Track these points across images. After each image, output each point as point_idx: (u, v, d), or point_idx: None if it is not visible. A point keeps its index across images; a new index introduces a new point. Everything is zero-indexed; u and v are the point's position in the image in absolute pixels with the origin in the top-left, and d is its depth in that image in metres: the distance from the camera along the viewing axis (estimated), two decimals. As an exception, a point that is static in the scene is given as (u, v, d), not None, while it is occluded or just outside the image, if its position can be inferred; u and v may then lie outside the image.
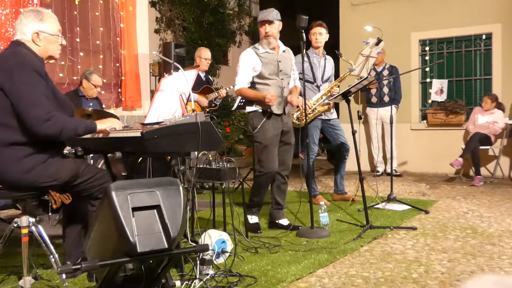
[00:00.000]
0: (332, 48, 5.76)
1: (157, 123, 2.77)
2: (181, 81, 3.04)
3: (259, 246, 3.54)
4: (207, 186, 4.12)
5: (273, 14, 3.98)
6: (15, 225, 2.64)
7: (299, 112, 4.76)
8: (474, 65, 7.68)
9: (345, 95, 4.28)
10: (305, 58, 4.85)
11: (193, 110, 2.83)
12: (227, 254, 3.17)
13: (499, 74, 7.36)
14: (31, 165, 2.55)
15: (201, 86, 5.98)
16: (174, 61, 3.92)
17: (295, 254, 3.37)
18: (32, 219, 2.65)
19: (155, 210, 2.08)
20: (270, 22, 3.96)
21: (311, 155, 4.90)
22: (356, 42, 6.16)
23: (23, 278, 2.60)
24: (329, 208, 4.76)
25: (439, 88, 7.81)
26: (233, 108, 5.36)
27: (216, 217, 3.98)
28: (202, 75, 6.13)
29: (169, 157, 3.24)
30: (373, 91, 7.45)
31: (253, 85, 4.05)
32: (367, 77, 4.42)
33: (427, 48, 7.95)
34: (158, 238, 2.04)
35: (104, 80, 5.60)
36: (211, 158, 3.74)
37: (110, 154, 3.01)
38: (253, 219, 4.10)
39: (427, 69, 7.97)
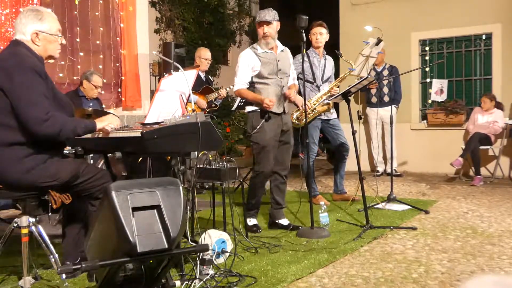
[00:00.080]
0: (332, 48, 5.76)
1: (157, 123, 2.77)
2: (181, 81, 3.04)
3: (259, 246, 3.54)
4: (207, 186, 4.12)
5: (271, 14, 3.98)
6: (15, 225, 2.64)
7: (298, 112, 4.77)
8: (474, 65, 7.68)
9: (345, 95, 4.28)
10: (305, 58, 4.85)
11: (193, 110, 2.83)
12: (227, 254, 3.17)
13: (499, 74, 7.36)
14: (31, 165, 2.55)
15: (201, 87, 5.98)
16: (174, 61, 3.91)
17: (295, 254, 3.37)
18: (32, 219, 2.64)
19: (155, 210, 2.08)
20: (268, 23, 3.97)
21: (311, 155, 4.90)
22: (356, 42, 6.16)
23: (23, 278, 2.60)
24: (329, 208, 4.76)
25: (439, 88, 7.81)
26: (233, 108, 5.36)
27: (216, 217, 3.98)
28: (202, 75, 6.13)
29: (169, 157, 3.24)
30: (373, 91, 7.45)
31: (252, 85, 4.05)
32: (367, 77, 4.42)
33: (427, 48, 7.95)
34: (158, 238, 2.04)
35: (104, 80, 5.60)
36: (211, 158, 3.74)
37: (110, 154, 3.01)
38: (251, 221, 4.10)
39: (427, 69, 7.97)
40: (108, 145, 2.89)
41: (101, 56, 6.40)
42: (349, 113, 4.22)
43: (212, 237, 3.12)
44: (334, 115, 5.26)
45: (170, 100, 3.06)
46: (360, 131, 6.45)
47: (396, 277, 2.88)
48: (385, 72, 7.34)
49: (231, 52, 13.23)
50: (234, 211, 3.54)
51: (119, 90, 6.64)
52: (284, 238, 3.79)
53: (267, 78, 4.03)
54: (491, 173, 7.00)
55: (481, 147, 6.65)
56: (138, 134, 2.55)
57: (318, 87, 5.10)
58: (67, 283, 2.70)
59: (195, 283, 2.68)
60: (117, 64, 6.62)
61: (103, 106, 5.54)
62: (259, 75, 4.03)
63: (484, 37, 7.51)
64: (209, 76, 6.57)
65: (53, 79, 3.01)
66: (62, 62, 5.85)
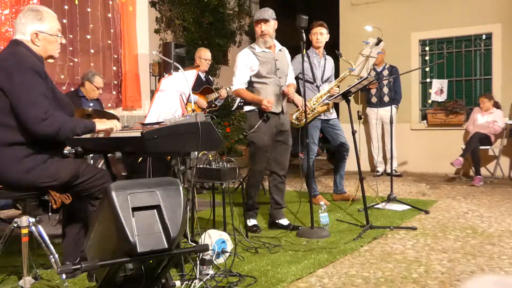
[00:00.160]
0: (332, 48, 5.76)
1: (157, 123, 2.77)
2: (181, 81, 3.04)
3: (259, 246, 3.54)
4: (207, 186, 4.13)
5: (269, 13, 4.00)
6: (15, 225, 2.64)
7: (298, 112, 4.77)
8: (474, 65, 7.68)
9: (345, 95, 4.28)
10: (305, 58, 4.85)
11: (193, 110, 2.84)
12: (227, 254, 3.17)
13: (499, 74, 7.36)
14: (31, 165, 2.55)
15: (201, 87, 5.98)
16: (174, 61, 3.92)
17: (295, 254, 3.37)
18: (32, 219, 2.64)
19: (155, 210, 2.08)
20: (266, 21, 3.98)
21: (311, 155, 4.90)
22: (356, 42, 6.16)
23: (23, 278, 2.60)
24: (329, 208, 4.76)
25: (439, 88, 7.81)
26: (233, 108, 5.36)
27: (216, 217, 3.98)
28: (202, 75, 6.13)
29: (169, 157, 3.24)
30: (373, 91, 7.45)
31: (251, 84, 4.06)
32: (367, 77, 4.42)
33: (427, 48, 7.95)
34: (158, 238, 2.04)
35: (104, 80, 5.60)
36: (211, 158, 3.74)
37: (110, 154, 3.01)
38: (251, 221, 4.10)
39: (427, 69, 7.97)
40: (108, 145, 2.89)
41: (101, 56, 6.40)
42: (349, 113, 4.22)
43: (212, 237, 3.12)
44: (334, 115, 5.26)
45: (170, 100, 3.06)
46: (360, 131, 6.44)
47: (396, 277, 2.88)
48: (385, 72, 7.34)
49: (231, 52, 13.24)
50: (234, 211, 3.54)
51: (119, 90, 6.64)
52: (284, 238, 3.79)
53: (265, 78, 4.03)
54: (491, 173, 6.99)
55: (481, 147, 6.65)
56: (138, 134, 2.55)
57: (318, 87, 5.10)
58: (67, 283, 2.70)
59: (195, 283, 2.68)
60: (117, 64, 6.63)
61: (103, 106, 5.54)
62: (257, 75, 4.03)
63: (484, 37, 7.51)
64: (209, 76, 6.57)
65: (53, 79, 3.01)
66: (62, 63, 5.85)
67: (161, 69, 8.35)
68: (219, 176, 3.58)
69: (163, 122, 2.72)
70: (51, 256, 2.63)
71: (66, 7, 5.94)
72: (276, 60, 4.07)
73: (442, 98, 7.77)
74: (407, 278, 2.87)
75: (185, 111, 2.94)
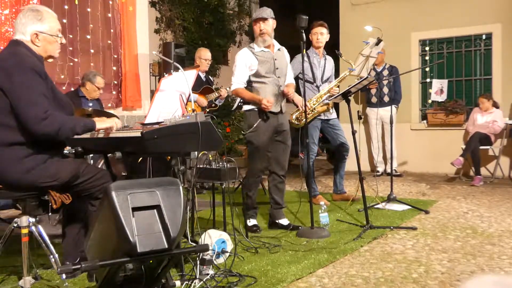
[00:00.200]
0: (332, 48, 5.75)
1: (157, 123, 2.77)
2: (181, 81, 3.04)
3: (259, 246, 3.54)
4: (207, 186, 4.13)
5: (267, 12, 4.01)
6: (15, 225, 2.64)
7: (298, 112, 4.77)
8: (474, 65, 7.68)
9: (345, 95, 4.28)
10: (305, 58, 4.86)
11: (193, 110, 2.83)
12: (227, 254, 3.17)
13: (499, 74, 7.36)
14: (31, 165, 2.55)
15: (201, 87, 5.98)
16: (174, 61, 3.92)
17: (295, 254, 3.37)
18: (32, 219, 2.64)
19: (155, 210, 2.08)
20: (264, 19, 3.98)
21: (311, 155, 4.90)
22: (356, 42, 6.16)
23: (23, 278, 2.60)
24: (329, 208, 4.76)
25: (439, 88, 7.81)
26: (233, 108, 5.36)
27: (216, 217, 3.98)
28: (202, 75, 6.13)
29: (169, 157, 3.24)
30: (373, 91, 7.45)
31: (249, 84, 4.05)
32: (367, 77, 4.42)
33: (427, 48, 7.95)
34: (158, 238, 2.04)
35: (104, 80, 5.60)
36: (211, 158, 3.74)
37: (110, 154, 3.01)
38: (251, 221, 4.10)
39: (427, 69, 7.97)
40: (108, 145, 2.89)
41: (101, 56, 6.40)
42: (349, 113, 4.22)
43: (212, 237, 3.12)
44: (334, 115, 5.26)
45: (170, 100, 3.06)
46: (360, 131, 6.44)
47: (396, 277, 2.88)
48: (385, 72, 7.34)
49: (231, 52, 13.22)
50: (234, 211, 3.54)
51: (119, 90, 6.64)
52: (284, 238, 3.79)
53: (264, 77, 4.03)
54: (491, 173, 6.99)
55: (481, 147, 6.64)
56: (138, 134, 2.55)
57: (318, 87, 5.10)
58: (67, 283, 2.70)
59: (195, 283, 2.68)
60: (117, 64, 6.63)
61: (103, 106, 5.54)
62: (256, 74, 4.03)
63: (484, 37, 7.51)
64: (209, 76, 6.57)
65: (53, 79, 3.01)
66: (62, 63, 5.85)
67: (161, 69, 8.35)
68: (219, 176, 3.58)
69: (163, 122, 2.72)
70: (51, 256, 2.63)
71: (66, 7, 5.94)
72: (275, 59, 4.07)
73: (442, 98, 7.77)
74: (407, 278, 2.87)
75: (185, 111, 2.94)
